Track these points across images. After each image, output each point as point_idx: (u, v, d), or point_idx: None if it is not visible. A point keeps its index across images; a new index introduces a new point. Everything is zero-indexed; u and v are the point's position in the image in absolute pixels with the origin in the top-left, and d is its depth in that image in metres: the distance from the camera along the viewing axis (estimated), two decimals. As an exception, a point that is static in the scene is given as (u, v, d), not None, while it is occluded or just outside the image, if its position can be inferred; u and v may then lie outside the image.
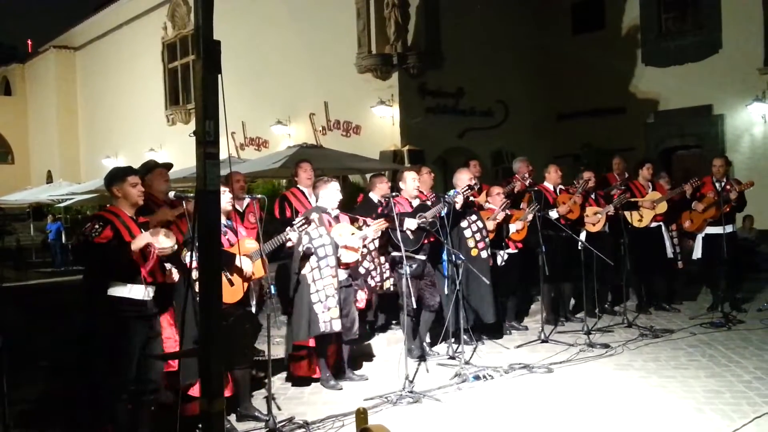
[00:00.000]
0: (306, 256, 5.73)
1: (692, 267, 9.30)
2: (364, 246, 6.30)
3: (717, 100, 15.30)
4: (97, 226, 4.20)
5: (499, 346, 7.36)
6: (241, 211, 6.90)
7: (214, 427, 2.38)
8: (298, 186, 7.14)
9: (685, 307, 9.04)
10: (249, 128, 18.35)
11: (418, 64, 14.87)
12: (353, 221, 6.30)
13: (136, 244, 4.18)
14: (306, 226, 5.44)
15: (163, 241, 4.25)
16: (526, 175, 8.28)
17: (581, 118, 16.81)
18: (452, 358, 6.72)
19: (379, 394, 5.57)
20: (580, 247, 7.56)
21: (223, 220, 5.04)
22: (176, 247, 4.33)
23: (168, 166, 5.60)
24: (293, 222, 5.50)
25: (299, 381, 6.12)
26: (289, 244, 5.46)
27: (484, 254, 7.03)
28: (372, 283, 6.93)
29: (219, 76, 2.33)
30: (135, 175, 4.50)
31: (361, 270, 6.62)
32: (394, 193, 6.43)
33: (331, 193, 6.05)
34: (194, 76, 2.43)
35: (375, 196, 7.51)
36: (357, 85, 15.36)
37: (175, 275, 4.45)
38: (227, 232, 4.99)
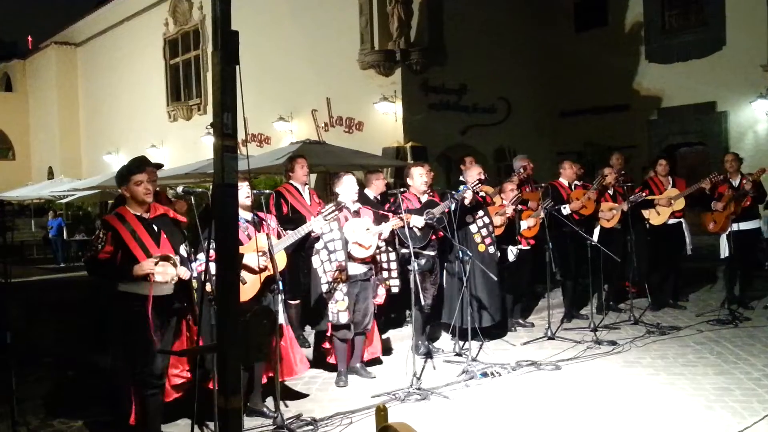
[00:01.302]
0: (317, 250, 5.75)
1: (714, 265, 9.27)
2: (383, 241, 6.25)
3: (720, 97, 15.27)
4: (101, 235, 4.36)
5: (505, 343, 7.33)
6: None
7: (231, 424, 2.35)
8: (291, 182, 7.07)
9: (691, 304, 9.03)
10: (251, 124, 18.30)
11: (421, 61, 14.83)
12: (376, 215, 6.24)
13: (138, 272, 4.26)
14: (337, 212, 5.43)
15: (165, 275, 4.29)
16: (521, 170, 8.28)
17: (584, 116, 16.79)
18: (459, 355, 6.70)
19: (387, 391, 5.55)
20: (589, 244, 7.52)
21: (247, 215, 5.00)
22: (175, 279, 4.36)
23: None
24: (321, 211, 5.47)
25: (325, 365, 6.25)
26: (314, 234, 5.45)
27: (491, 249, 7.00)
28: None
29: (237, 67, 2.30)
30: (140, 172, 4.51)
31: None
32: (402, 189, 6.38)
33: (347, 187, 6.03)
34: (212, 68, 2.38)
35: (371, 192, 7.44)
36: (360, 81, 15.32)
37: (186, 273, 4.45)
38: (248, 228, 4.96)
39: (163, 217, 4.59)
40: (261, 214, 5.18)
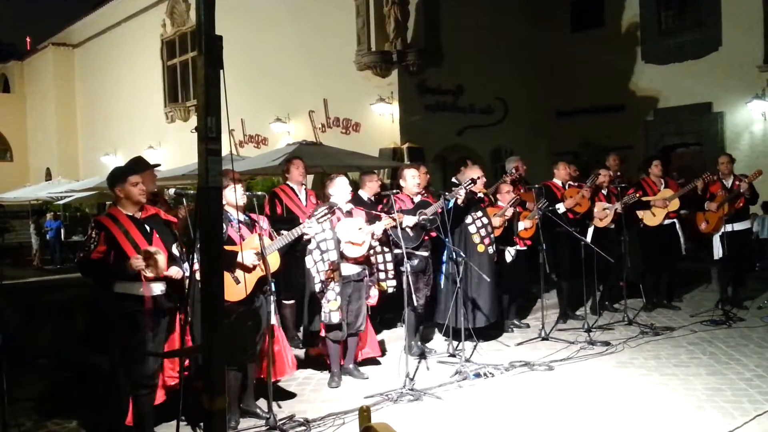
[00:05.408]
0: (310, 250, 5.78)
1: (708, 266, 9.28)
2: (377, 241, 6.28)
3: (717, 98, 15.29)
4: (93, 235, 4.41)
5: (499, 343, 7.35)
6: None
7: (216, 424, 2.36)
8: (288, 183, 7.16)
9: (685, 305, 9.04)
10: (248, 126, 18.32)
11: (417, 62, 14.84)
12: (369, 215, 6.26)
13: (131, 269, 4.27)
14: (329, 216, 5.46)
15: (154, 269, 4.33)
16: (514, 171, 8.30)
17: (580, 116, 16.82)
18: (452, 355, 6.72)
19: (380, 392, 5.56)
20: (583, 244, 7.54)
21: (240, 216, 5.03)
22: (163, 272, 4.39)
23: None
24: (314, 214, 5.49)
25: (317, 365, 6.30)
26: (306, 237, 5.48)
27: (490, 250, 7.03)
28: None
29: (221, 71, 2.32)
30: (135, 174, 4.59)
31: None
32: (395, 191, 6.42)
33: (340, 188, 6.09)
34: (196, 72, 2.40)
35: (365, 194, 7.46)
36: (356, 82, 15.32)
37: (178, 273, 4.49)
38: (241, 228, 4.97)
39: (155, 216, 4.65)
40: (253, 216, 5.20)
